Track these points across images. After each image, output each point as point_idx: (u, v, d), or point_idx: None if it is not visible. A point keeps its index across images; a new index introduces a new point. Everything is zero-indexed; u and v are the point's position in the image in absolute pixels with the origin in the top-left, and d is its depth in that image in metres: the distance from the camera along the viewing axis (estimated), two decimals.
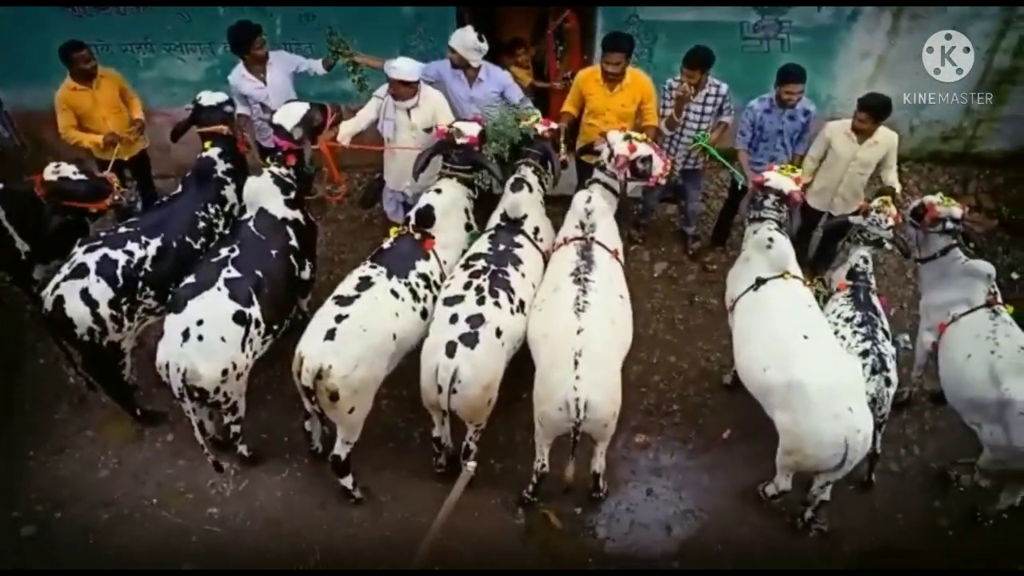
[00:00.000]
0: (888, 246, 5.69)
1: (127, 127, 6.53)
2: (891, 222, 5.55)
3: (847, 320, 5.24)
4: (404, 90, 6.10)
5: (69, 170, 5.72)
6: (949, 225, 5.54)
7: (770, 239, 5.40)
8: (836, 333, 5.16)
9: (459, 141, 5.84)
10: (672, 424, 6.06)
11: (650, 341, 6.58)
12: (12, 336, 6.56)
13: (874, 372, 4.97)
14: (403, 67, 6.01)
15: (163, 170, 7.51)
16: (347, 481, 5.31)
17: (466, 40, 6.33)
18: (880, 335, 5.14)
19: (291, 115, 5.72)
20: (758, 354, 5.05)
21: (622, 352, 5.08)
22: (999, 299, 5.35)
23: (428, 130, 6.26)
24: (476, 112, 6.32)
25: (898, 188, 6.16)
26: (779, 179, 5.59)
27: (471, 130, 5.87)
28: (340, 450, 5.09)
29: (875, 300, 5.41)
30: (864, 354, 5.02)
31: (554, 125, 6.13)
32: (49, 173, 5.67)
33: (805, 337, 4.87)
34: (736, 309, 5.48)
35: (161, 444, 5.83)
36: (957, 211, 5.55)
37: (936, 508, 5.62)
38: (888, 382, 4.98)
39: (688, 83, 6.22)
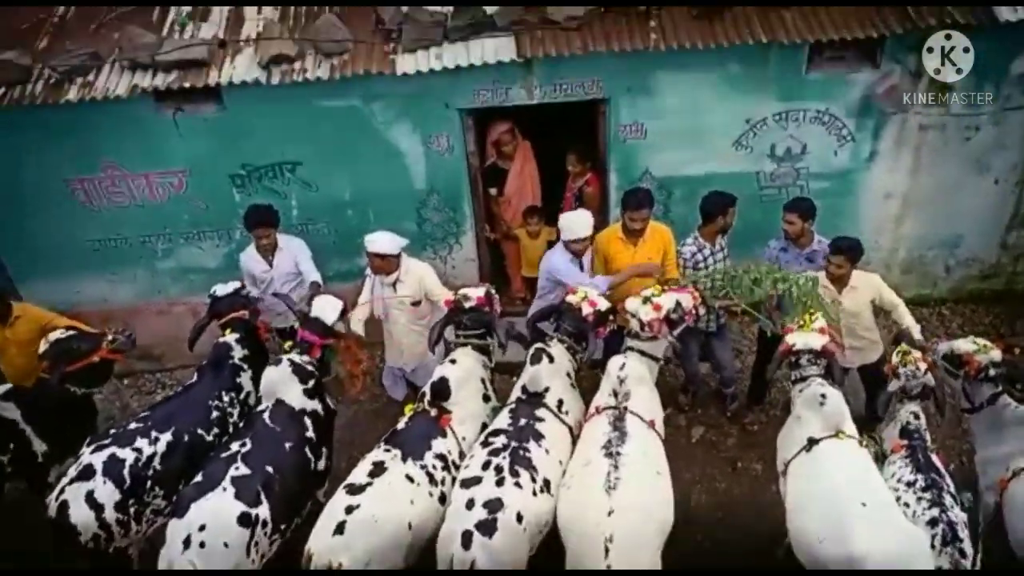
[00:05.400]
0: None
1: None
2: (923, 366, 5.21)
3: (908, 484, 4.76)
4: (381, 264, 5.98)
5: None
6: (991, 372, 5.21)
7: (823, 395, 5.01)
8: (898, 500, 4.68)
9: (467, 305, 5.72)
10: None
11: (693, 515, 6.05)
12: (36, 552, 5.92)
13: (945, 543, 4.41)
14: (379, 240, 5.94)
15: (183, 361, 7.49)
16: None
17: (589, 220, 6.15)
18: (948, 500, 4.64)
19: (330, 310, 5.74)
20: (813, 524, 4.60)
21: (661, 536, 4.59)
22: None
23: (417, 304, 6.14)
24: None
25: (916, 329, 5.80)
26: (804, 338, 5.29)
27: (477, 292, 5.79)
28: None
29: (936, 460, 4.97)
30: (932, 523, 4.49)
31: (602, 306, 5.75)
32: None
33: (864, 504, 4.44)
34: (788, 474, 5.05)
35: None
36: (996, 354, 5.23)
37: None
38: (963, 554, 4.41)
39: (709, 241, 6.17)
